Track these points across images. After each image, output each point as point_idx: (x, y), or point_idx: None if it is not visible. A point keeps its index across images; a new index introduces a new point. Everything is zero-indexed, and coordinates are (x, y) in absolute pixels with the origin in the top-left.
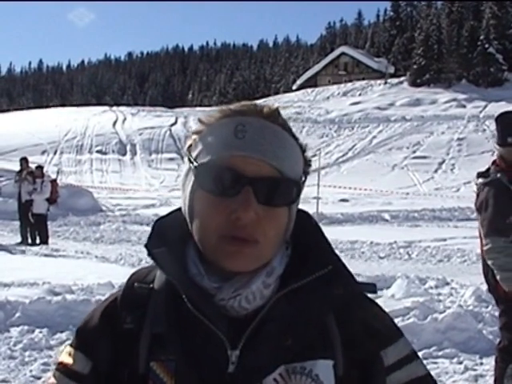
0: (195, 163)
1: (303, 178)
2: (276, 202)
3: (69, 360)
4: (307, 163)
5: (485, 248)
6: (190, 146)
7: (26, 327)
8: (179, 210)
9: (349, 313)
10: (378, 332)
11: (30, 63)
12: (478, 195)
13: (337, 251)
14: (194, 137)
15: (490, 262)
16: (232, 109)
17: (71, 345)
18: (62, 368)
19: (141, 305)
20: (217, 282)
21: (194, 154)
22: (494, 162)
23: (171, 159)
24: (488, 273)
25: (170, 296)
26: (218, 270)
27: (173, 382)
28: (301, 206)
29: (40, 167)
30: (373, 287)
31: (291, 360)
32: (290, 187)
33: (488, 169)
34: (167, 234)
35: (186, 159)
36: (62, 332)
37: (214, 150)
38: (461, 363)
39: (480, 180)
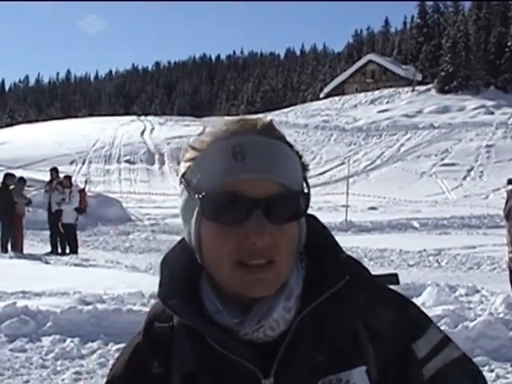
0: (197, 194)
1: (305, 185)
2: (288, 218)
3: None
4: (305, 168)
5: (510, 255)
6: (185, 173)
7: (57, 336)
8: (183, 240)
9: (374, 313)
10: (406, 326)
11: (57, 74)
12: (506, 202)
13: (366, 259)
14: (188, 164)
15: None
16: (224, 130)
17: None
18: None
19: (165, 346)
20: (237, 317)
21: (192, 184)
22: None
23: None
24: None
25: (193, 333)
26: (235, 302)
27: None
28: (329, 214)
29: (68, 177)
30: (395, 278)
31: (326, 373)
32: (298, 200)
33: None
34: (178, 275)
35: (181, 188)
36: (93, 341)
37: (214, 177)
38: (492, 371)
39: (510, 187)
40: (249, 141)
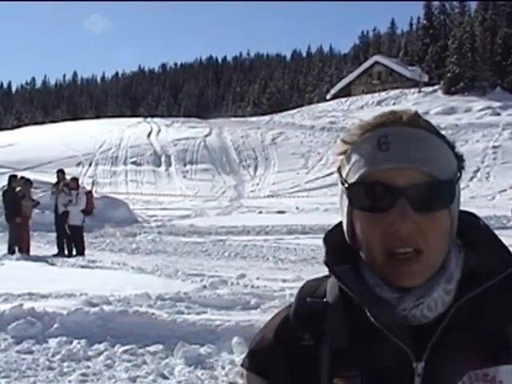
0: (345, 185)
1: (458, 175)
2: (433, 206)
3: (242, 382)
4: (459, 158)
5: None
6: (339, 167)
7: (64, 338)
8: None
9: None
10: None
11: (64, 76)
12: None
13: None
14: (341, 157)
15: None
16: (371, 122)
17: (242, 365)
18: None
19: (317, 320)
20: (397, 292)
21: (343, 175)
22: None
23: (206, 170)
24: None
25: (348, 309)
26: None
27: None
28: (335, 215)
29: (75, 179)
30: None
31: (474, 366)
32: (443, 189)
33: None
34: (341, 248)
35: (338, 180)
36: (99, 343)
37: (360, 167)
38: None
39: None
40: (393, 131)
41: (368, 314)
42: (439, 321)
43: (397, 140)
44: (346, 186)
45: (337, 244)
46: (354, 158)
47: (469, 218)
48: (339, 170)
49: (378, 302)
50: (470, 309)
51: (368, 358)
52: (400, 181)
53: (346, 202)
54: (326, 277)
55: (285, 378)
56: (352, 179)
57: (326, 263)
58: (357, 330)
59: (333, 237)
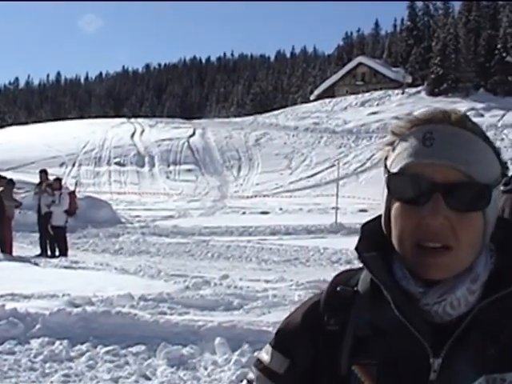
0: (386, 174)
1: (499, 181)
2: (467, 207)
3: (266, 358)
4: (503, 165)
5: None
6: (386, 158)
7: (46, 339)
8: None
9: None
10: None
11: (48, 76)
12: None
13: (356, 262)
14: (387, 148)
15: None
16: (420, 118)
17: (270, 343)
18: (259, 365)
19: (345, 307)
20: (422, 287)
21: (388, 165)
22: None
23: (189, 170)
24: None
25: (375, 300)
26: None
27: None
28: (319, 216)
29: (58, 179)
30: None
31: (491, 371)
32: (480, 192)
33: (511, 177)
34: (375, 238)
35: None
36: (82, 343)
37: (403, 159)
38: None
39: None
40: (439, 129)
41: (392, 306)
42: (461, 320)
43: (441, 138)
44: (387, 175)
45: (373, 233)
46: (399, 149)
47: (505, 224)
48: (385, 161)
49: (402, 293)
50: (493, 311)
51: (386, 348)
52: (438, 177)
53: (386, 190)
54: (363, 268)
55: (307, 359)
56: (394, 169)
57: (356, 249)
58: (380, 320)
59: (370, 226)
